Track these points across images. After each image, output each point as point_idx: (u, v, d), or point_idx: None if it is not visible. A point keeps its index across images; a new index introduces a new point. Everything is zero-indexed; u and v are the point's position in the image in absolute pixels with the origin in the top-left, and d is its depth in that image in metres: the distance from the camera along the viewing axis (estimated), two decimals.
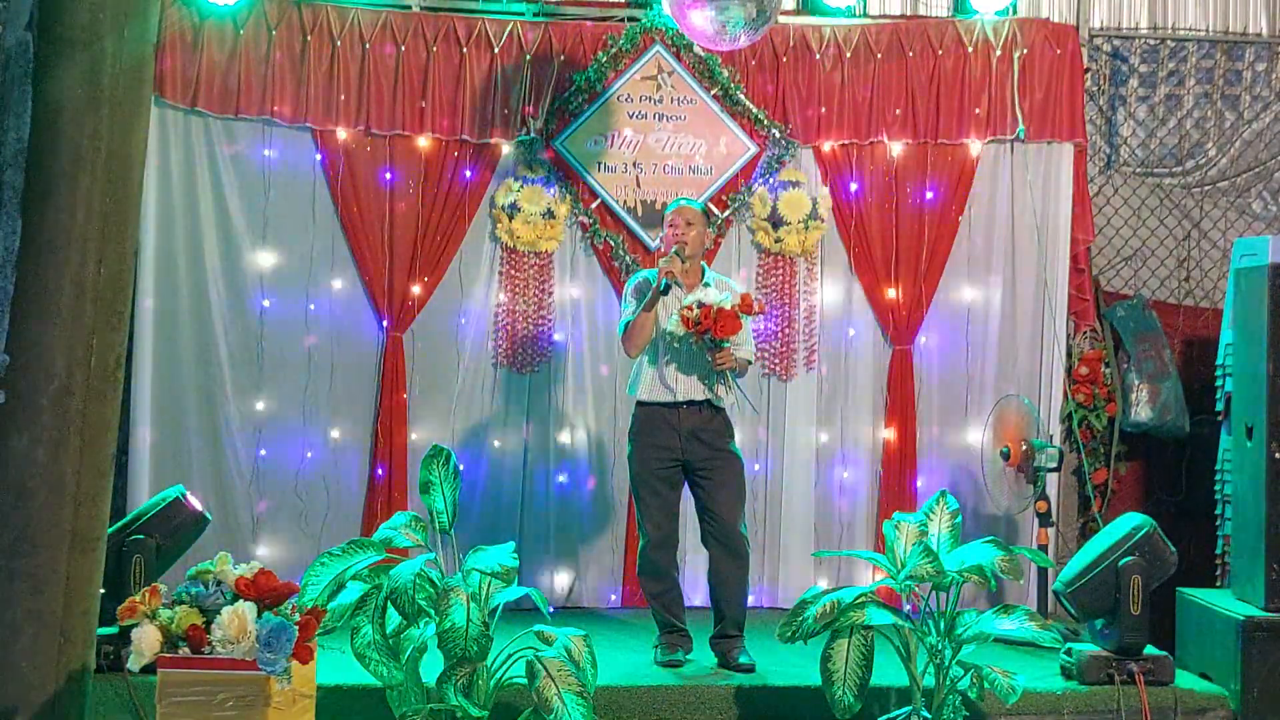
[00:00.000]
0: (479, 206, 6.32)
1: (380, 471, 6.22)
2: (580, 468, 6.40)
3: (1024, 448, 5.97)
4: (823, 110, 6.39)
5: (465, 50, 6.21)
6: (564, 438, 6.39)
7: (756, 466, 6.38)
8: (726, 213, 6.39)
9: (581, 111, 6.34)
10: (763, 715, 4.92)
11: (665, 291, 5.15)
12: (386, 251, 6.25)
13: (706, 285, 5.28)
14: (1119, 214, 6.78)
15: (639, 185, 6.39)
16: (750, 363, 5.40)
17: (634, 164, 6.38)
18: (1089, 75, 6.60)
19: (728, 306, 5.05)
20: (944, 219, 6.44)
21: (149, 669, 3.54)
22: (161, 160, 6.05)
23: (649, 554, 5.27)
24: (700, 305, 5.05)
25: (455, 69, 6.22)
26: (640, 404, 5.30)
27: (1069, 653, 5.10)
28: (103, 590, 3.70)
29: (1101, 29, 6.74)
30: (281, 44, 6.12)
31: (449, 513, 4.40)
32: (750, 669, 5.12)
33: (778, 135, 6.38)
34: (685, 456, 5.23)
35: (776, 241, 6.36)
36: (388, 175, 6.25)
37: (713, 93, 6.39)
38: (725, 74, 6.35)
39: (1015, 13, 6.50)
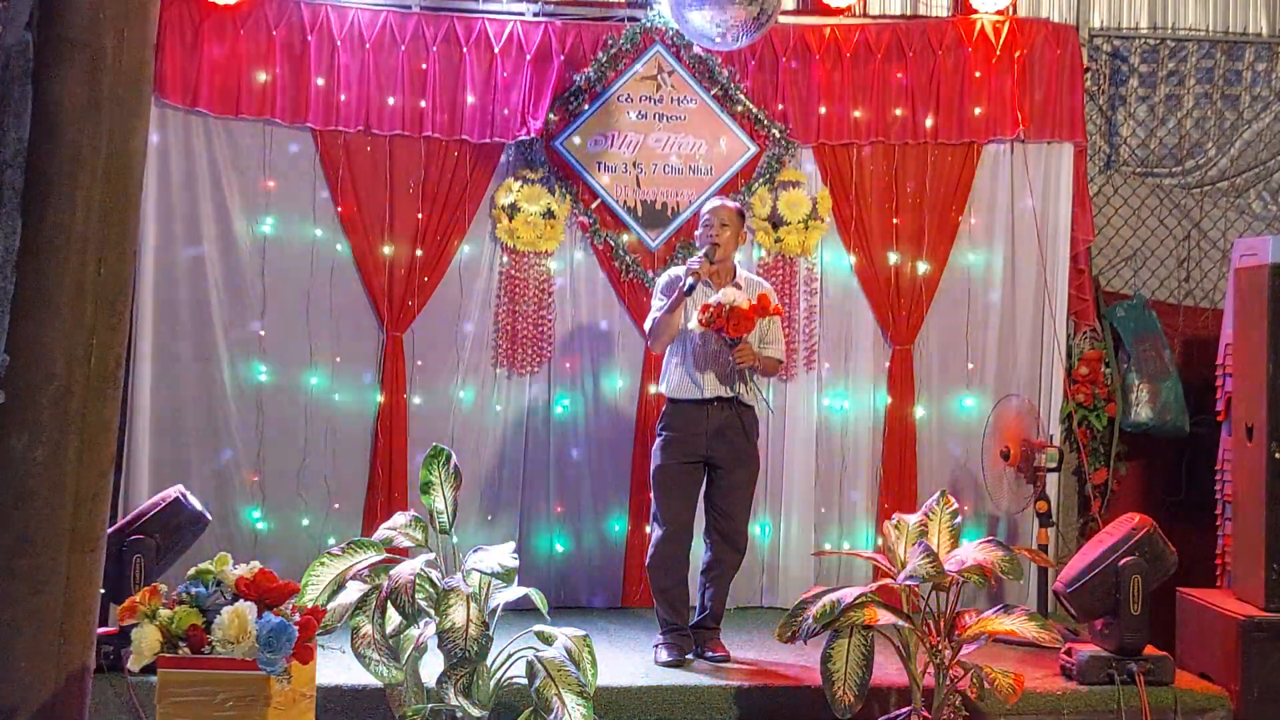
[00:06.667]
0: (479, 206, 6.32)
1: (380, 471, 6.22)
2: (580, 468, 6.40)
3: (1024, 448, 5.97)
4: (823, 110, 6.39)
5: (465, 50, 6.21)
6: (564, 438, 6.39)
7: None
8: None
9: (581, 111, 6.34)
10: (763, 715, 4.92)
11: (689, 292, 5.20)
12: (386, 251, 6.25)
13: (737, 286, 5.34)
14: (1119, 214, 6.78)
15: (639, 185, 6.39)
16: (781, 362, 5.50)
17: (634, 164, 6.38)
18: (1089, 75, 6.60)
19: (743, 306, 5.10)
20: (944, 219, 6.45)
21: (149, 669, 3.55)
22: (161, 160, 6.04)
23: (662, 547, 5.32)
24: (715, 305, 5.12)
25: (455, 69, 6.22)
26: (670, 400, 5.38)
27: (1069, 653, 5.10)
28: (103, 590, 3.70)
29: (1101, 29, 6.74)
30: (281, 44, 6.12)
31: (449, 513, 4.40)
32: (726, 659, 5.29)
33: (778, 135, 6.38)
34: (709, 453, 5.31)
35: (776, 241, 6.36)
36: (388, 175, 6.25)
37: (713, 93, 6.39)
38: (725, 74, 6.35)
39: (1015, 13, 6.50)
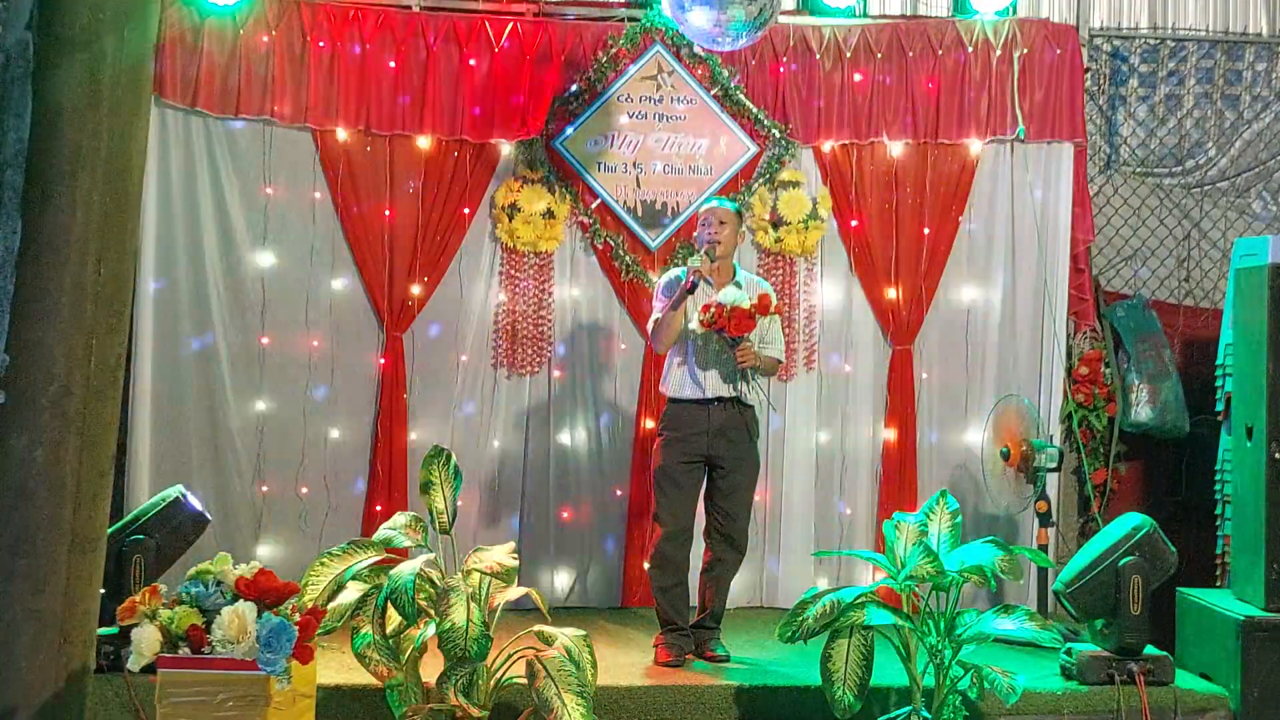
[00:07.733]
0: (479, 206, 6.32)
1: (380, 471, 6.22)
2: (580, 468, 6.40)
3: (1024, 448, 5.97)
4: (823, 110, 6.39)
5: (465, 50, 6.21)
6: (564, 438, 6.39)
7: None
8: None
9: (581, 111, 6.34)
10: (763, 715, 4.92)
11: (692, 291, 5.23)
12: (386, 251, 6.25)
13: (737, 285, 5.33)
14: (1119, 214, 6.78)
15: (639, 185, 6.39)
16: (780, 362, 5.51)
17: (634, 164, 6.38)
18: (1089, 75, 6.60)
19: (744, 306, 5.11)
20: (944, 219, 6.45)
21: (149, 669, 3.55)
22: (161, 160, 6.04)
23: (662, 546, 5.33)
24: (716, 305, 5.12)
25: (455, 69, 6.21)
26: (672, 400, 5.39)
27: (1069, 653, 5.10)
28: (103, 590, 3.70)
29: (1101, 29, 6.74)
30: (281, 44, 6.11)
31: (449, 513, 4.41)
32: (725, 659, 5.29)
33: (778, 135, 6.38)
34: (710, 453, 5.32)
35: (776, 241, 6.36)
36: (388, 175, 6.25)
37: (713, 93, 6.39)
38: (725, 74, 6.35)
39: (1015, 13, 6.50)
